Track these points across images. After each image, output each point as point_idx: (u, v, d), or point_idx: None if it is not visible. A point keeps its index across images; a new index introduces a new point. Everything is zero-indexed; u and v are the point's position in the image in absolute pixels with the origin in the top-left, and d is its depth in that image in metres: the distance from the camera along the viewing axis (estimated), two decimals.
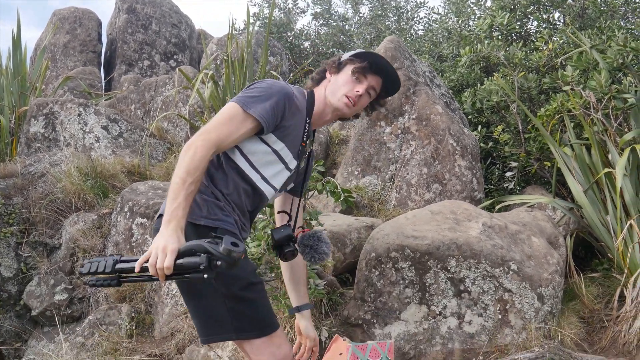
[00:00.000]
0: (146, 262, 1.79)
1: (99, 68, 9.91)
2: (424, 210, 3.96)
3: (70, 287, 4.69)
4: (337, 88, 2.27)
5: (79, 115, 6.37)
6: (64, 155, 5.61)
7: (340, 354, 2.87)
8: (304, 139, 2.27)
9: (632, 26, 5.88)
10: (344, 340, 2.93)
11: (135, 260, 1.83)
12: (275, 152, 2.17)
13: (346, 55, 2.31)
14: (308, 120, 2.28)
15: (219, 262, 1.72)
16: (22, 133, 6.62)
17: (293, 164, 2.25)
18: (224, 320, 1.98)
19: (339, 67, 2.31)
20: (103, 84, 9.36)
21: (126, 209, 4.62)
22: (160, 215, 2.07)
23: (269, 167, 2.18)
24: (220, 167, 2.13)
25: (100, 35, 10.22)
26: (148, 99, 7.51)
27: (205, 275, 1.72)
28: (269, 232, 2.74)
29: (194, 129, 6.22)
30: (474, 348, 3.41)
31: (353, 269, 3.87)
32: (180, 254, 1.77)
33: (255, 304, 2.00)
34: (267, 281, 3.42)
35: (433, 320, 3.44)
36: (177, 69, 6.57)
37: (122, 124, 6.38)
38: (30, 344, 4.65)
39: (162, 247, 1.77)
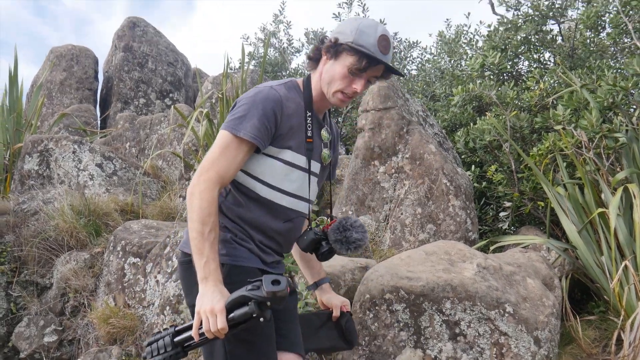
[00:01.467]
0: (200, 327, 1.80)
1: (94, 105, 9.96)
2: (418, 250, 3.94)
3: (60, 328, 4.61)
4: (333, 80, 2.08)
5: (74, 152, 6.36)
6: (58, 192, 5.60)
7: None
8: (309, 135, 2.11)
9: (621, 66, 5.95)
10: None
11: (189, 328, 1.86)
12: (285, 161, 2.06)
13: (343, 39, 2.06)
14: (309, 114, 2.11)
15: (268, 303, 1.74)
16: (16, 170, 6.60)
17: (315, 166, 2.16)
18: None
19: (335, 52, 2.08)
20: (98, 122, 9.40)
21: (119, 248, 4.58)
22: (184, 254, 2.08)
23: (287, 180, 2.09)
24: (229, 192, 2.08)
25: (96, 72, 10.29)
26: (143, 137, 7.52)
27: (262, 319, 1.75)
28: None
29: (188, 167, 6.22)
30: None
31: None
32: (229, 309, 1.78)
33: (254, 347, 1.95)
34: None
35: None
36: (173, 106, 6.60)
37: (116, 161, 6.37)
38: None
39: (210, 310, 1.76)
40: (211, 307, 1.76)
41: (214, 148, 1.98)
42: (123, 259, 4.52)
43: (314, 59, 2.18)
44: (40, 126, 8.95)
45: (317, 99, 2.16)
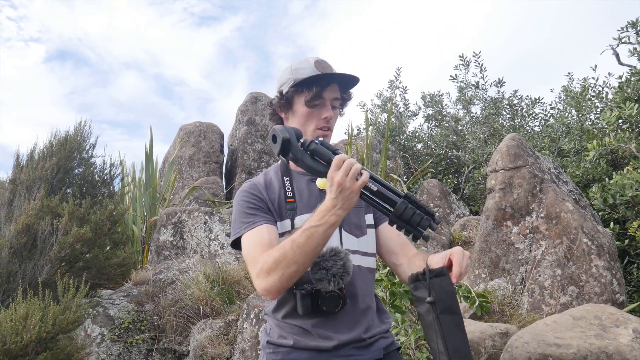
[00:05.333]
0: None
1: (220, 177, 10.42)
2: (564, 315, 3.70)
3: None
4: (302, 125, 1.98)
5: (205, 223, 6.64)
6: (192, 262, 5.82)
7: None
8: (288, 196, 1.96)
9: None
10: None
11: None
12: (280, 235, 1.92)
13: (286, 87, 2.00)
14: (286, 178, 1.98)
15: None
16: (152, 241, 6.96)
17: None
18: None
19: (288, 103, 2.02)
20: (224, 192, 9.79)
21: (252, 316, 4.65)
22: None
23: None
24: None
25: (222, 146, 10.81)
26: None
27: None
28: None
29: None
30: None
31: None
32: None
33: None
34: None
35: None
36: None
37: None
38: None
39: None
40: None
41: None
42: (257, 327, 4.58)
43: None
44: (172, 199, 9.46)
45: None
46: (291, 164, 2.02)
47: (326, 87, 1.98)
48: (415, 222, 1.62)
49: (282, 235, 1.92)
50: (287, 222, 1.94)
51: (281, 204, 1.96)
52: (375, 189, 1.66)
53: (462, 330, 1.60)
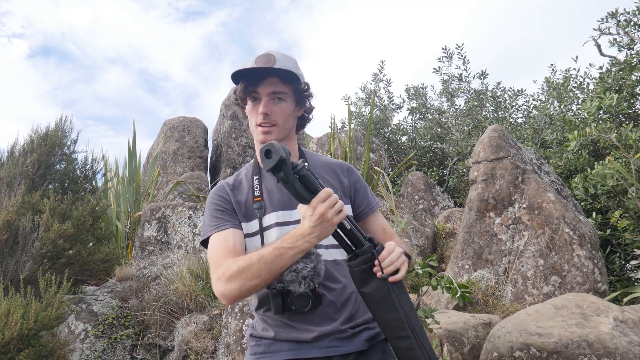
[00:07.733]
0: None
1: (205, 172, 10.36)
2: (546, 304, 3.73)
3: None
4: (249, 123, 2.00)
5: (189, 218, 6.61)
6: (176, 257, 5.79)
7: None
8: (256, 195, 1.97)
9: None
10: None
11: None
12: (249, 235, 1.94)
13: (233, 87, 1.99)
14: (255, 177, 2.01)
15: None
16: (136, 237, 6.92)
17: (285, 215, 1.96)
18: None
19: (240, 102, 2.02)
20: (209, 187, 9.74)
21: (236, 310, 4.64)
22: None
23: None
24: None
25: (206, 141, 10.75)
26: None
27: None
28: None
29: None
30: None
31: None
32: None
33: None
34: None
35: None
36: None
37: None
38: None
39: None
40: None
41: None
42: (241, 321, 4.57)
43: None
44: (157, 194, 9.40)
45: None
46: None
47: (260, 81, 1.93)
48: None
49: (251, 235, 1.94)
50: (255, 222, 1.95)
51: (249, 204, 1.97)
52: (349, 227, 1.73)
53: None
